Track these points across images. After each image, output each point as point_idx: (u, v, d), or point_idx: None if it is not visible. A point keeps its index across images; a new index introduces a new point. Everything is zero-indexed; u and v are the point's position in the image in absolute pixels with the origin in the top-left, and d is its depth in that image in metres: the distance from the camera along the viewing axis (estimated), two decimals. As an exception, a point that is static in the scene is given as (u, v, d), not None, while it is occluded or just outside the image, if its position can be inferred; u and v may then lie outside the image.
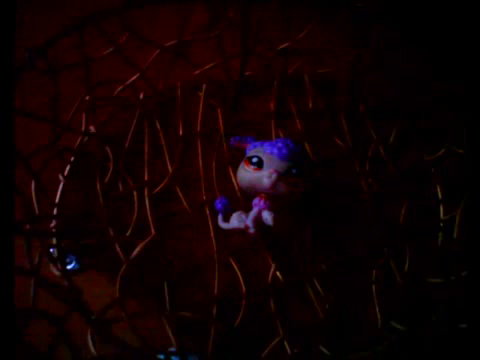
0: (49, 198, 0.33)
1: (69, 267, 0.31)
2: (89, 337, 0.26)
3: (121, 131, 0.37)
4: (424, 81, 0.39)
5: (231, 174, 0.35)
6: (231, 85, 0.40)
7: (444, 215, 0.35)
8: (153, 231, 0.33)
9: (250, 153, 0.32)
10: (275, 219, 0.30)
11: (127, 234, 0.32)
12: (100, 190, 0.33)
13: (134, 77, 0.37)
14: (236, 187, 0.35)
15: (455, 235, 0.34)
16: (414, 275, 0.33)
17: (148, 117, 0.38)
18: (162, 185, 0.35)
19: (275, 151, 0.31)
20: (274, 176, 0.30)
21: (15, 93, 0.25)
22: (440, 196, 0.36)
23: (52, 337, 0.22)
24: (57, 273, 0.28)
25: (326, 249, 0.33)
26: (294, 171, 0.31)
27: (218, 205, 0.33)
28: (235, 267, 0.32)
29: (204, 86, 0.40)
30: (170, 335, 0.28)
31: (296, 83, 0.41)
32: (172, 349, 0.28)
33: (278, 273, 0.32)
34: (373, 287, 0.32)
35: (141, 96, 0.39)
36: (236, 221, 0.31)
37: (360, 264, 0.33)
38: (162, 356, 0.27)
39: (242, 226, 0.31)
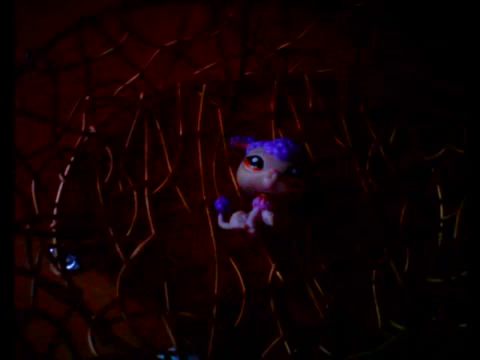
0: (49, 198, 0.33)
1: (69, 267, 0.31)
2: (89, 337, 0.26)
3: (121, 131, 0.37)
4: (424, 81, 0.39)
5: (231, 174, 0.35)
6: (231, 85, 0.40)
7: (444, 215, 0.35)
8: (153, 231, 0.33)
9: (250, 153, 0.32)
10: (275, 219, 0.30)
11: (127, 234, 0.33)
12: (100, 190, 0.33)
13: (134, 77, 0.37)
14: (236, 187, 0.35)
15: (455, 235, 0.34)
16: (414, 275, 0.33)
17: (148, 117, 0.38)
18: (162, 185, 0.35)
19: (275, 151, 0.31)
20: (274, 176, 0.30)
21: (15, 93, 0.25)
22: (440, 196, 0.36)
23: (52, 337, 0.22)
24: (57, 273, 0.28)
25: (326, 249, 0.33)
26: (294, 171, 0.31)
27: (218, 205, 0.33)
28: (235, 267, 0.32)
29: (204, 86, 0.40)
30: (170, 335, 0.28)
31: (296, 83, 0.41)
32: (172, 349, 0.28)
33: (278, 273, 0.32)
34: (373, 287, 0.32)
35: (141, 96, 0.39)
36: (236, 221, 0.31)
37: (360, 264, 0.33)
38: (162, 356, 0.27)
39: (242, 226, 0.31)
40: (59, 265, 0.29)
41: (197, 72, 0.40)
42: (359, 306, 0.32)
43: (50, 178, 0.34)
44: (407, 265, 0.33)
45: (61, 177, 0.34)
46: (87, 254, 0.32)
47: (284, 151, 0.31)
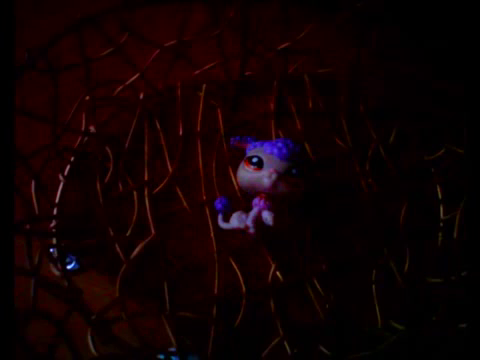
0: (49, 198, 0.33)
1: (69, 267, 0.31)
2: (89, 337, 0.26)
3: (121, 131, 0.37)
4: (424, 81, 0.39)
5: (231, 174, 0.35)
6: (231, 85, 0.40)
7: (444, 215, 0.35)
8: (153, 231, 0.33)
9: (250, 153, 0.32)
10: (275, 219, 0.30)
11: (127, 234, 0.33)
12: (100, 190, 0.33)
13: (134, 77, 0.37)
14: (236, 187, 0.35)
15: (455, 235, 0.34)
16: (414, 275, 0.33)
17: (148, 117, 0.38)
18: (162, 185, 0.35)
19: (275, 151, 0.31)
20: (274, 176, 0.30)
21: (15, 93, 0.25)
22: (440, 196, 0.36)
23: (52, 337, 0.22)
24: (57, 273, 0.28)
25: (326, 249, 0.33)
26: (294, 171, 0.31)
27: (218, 205, 0.33)
28: (235, 267, 0.32)
29: (204, 86, 0.40)
30: (170, 335, 0.28)
31: (296, 83, 0.41)
32: (172, 349, 0.28)
33: (278, 273, 0.32)
34: (373, 287, 0.32)
35: (141, 96, 0.39)
36: (236, 221, 0.31)
37: (360, 264, 0.33)
38: (162, 356, 0.27)
39: (242, 226, 0.31)
40: (59, 265, 0.29)
41: (197, 72, 0.40)
42: (359, 306, 0.32)
43: (50, 178, 0.34)
44: (407, 265, 0.33)
45: (61, 177, 0.34)
46: (87, 254, 0.32)
47: (284, 151, 0.31)
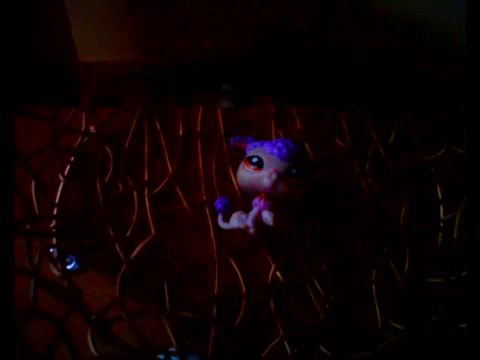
0: (49, 198, 0.33)
1: (69, 267, 0.31)
2: (89, 337, 0.26)
3: (121, 131, 0.37)
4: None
5: (231, 174, 0.35)
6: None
7: (444, 215, 0.35)
8: (153, 231, 0.33)
9: (250, 153, 0.32)
10: (275, 219, 0.30)
11: (127, 234, 0.33)
12: (100, 190, 0.33)
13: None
14: (236, 187, 0.35)
15: (455, 235, 0.34)
16: (414, 275, 0.33)
17: (148, 117, 0.38)
18: (162, 185, 0.35)
19: (275, 151, 0.31)
20: (274, 176, 0.30)
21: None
22: (440, 196, 0.36)
23: (52, 337, 0.22)
24: (57, 273, 0.28)
25: (326, 249, 0.33)
26: (294, 171, 0.31)
27: (218, 205, 0.33)
28: (235, 267, 0.32)
29: (204, 86, 0.40)
30: (170, 335, 0.28)
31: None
32: (172, 349, 0.28)
33: (278, 273, 0.32)
34: (373, 287, 0.32)
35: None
36: (236, 221, 0.31)
37: (360, 264, 0.33)
38: (162, 356, 0.27)
39: (242, 226, 0.31)
40: (59, 265, 0.29)
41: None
42: (359, 306, 0.32)
43: (50, 178, 0.34)
44: (407, 265, 0.33)
45: (61, 177, 0.34)
46: (87, 254, 0.32)
47: (284, 151, 0.31)
